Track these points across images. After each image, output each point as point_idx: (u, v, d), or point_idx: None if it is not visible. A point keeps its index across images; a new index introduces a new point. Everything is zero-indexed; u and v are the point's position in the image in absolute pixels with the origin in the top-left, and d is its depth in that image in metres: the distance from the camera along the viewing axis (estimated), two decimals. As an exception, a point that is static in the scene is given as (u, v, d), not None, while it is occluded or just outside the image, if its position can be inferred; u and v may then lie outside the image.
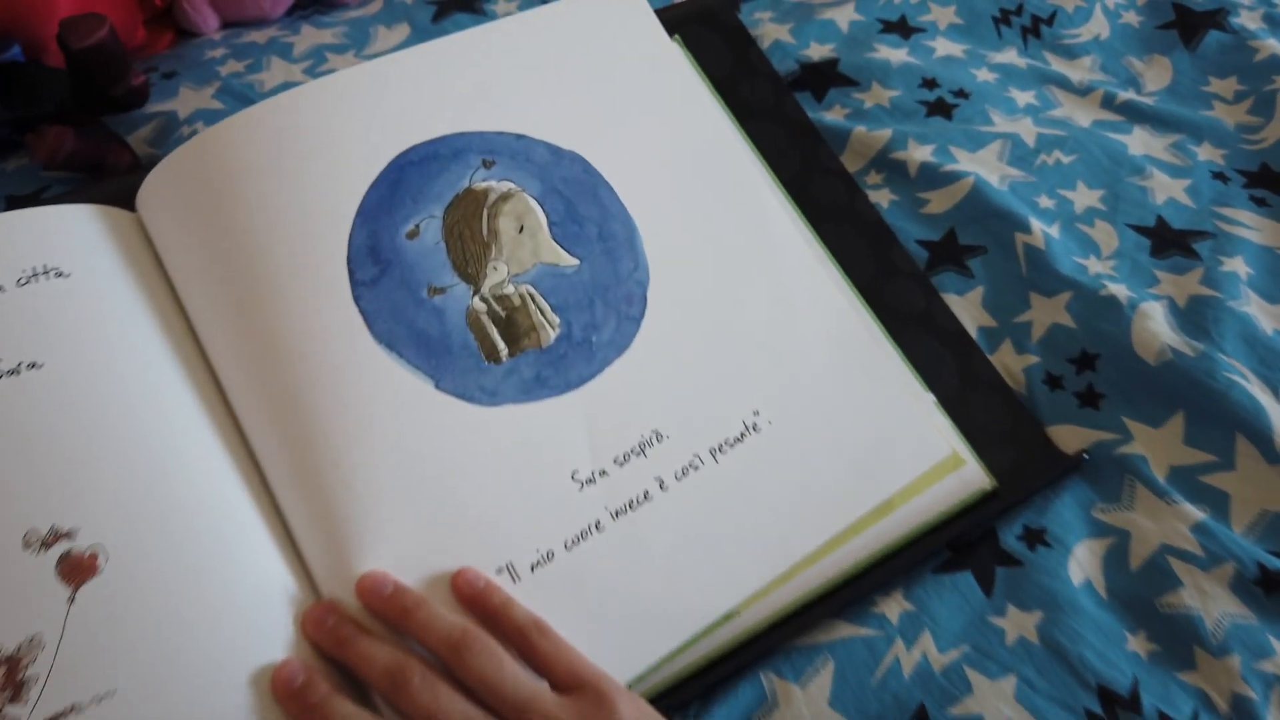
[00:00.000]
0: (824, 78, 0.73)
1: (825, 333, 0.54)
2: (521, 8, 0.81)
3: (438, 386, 0.47)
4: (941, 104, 0.71)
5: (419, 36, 0.78)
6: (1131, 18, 0.80)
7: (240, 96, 0.71)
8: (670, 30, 0.63)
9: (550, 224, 0.52)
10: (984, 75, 0.74)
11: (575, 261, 0.51)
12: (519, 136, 0.53)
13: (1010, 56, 0.77)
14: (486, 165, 0.52)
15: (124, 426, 0.43)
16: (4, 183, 0.65)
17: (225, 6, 0.79)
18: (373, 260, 0.48)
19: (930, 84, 0.72)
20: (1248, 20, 0.79)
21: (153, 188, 0.49)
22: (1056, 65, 0.76)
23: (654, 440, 0.49)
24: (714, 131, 0.57)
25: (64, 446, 0.42)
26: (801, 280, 0.55)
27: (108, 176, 0.65)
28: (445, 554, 0.44)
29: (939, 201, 0.65)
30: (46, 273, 0.45)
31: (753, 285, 0.54)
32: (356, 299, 0.47)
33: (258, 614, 0.41)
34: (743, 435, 0.50)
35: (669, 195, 0.55)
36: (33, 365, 0.43)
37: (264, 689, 0.40)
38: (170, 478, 0.42)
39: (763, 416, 0.51)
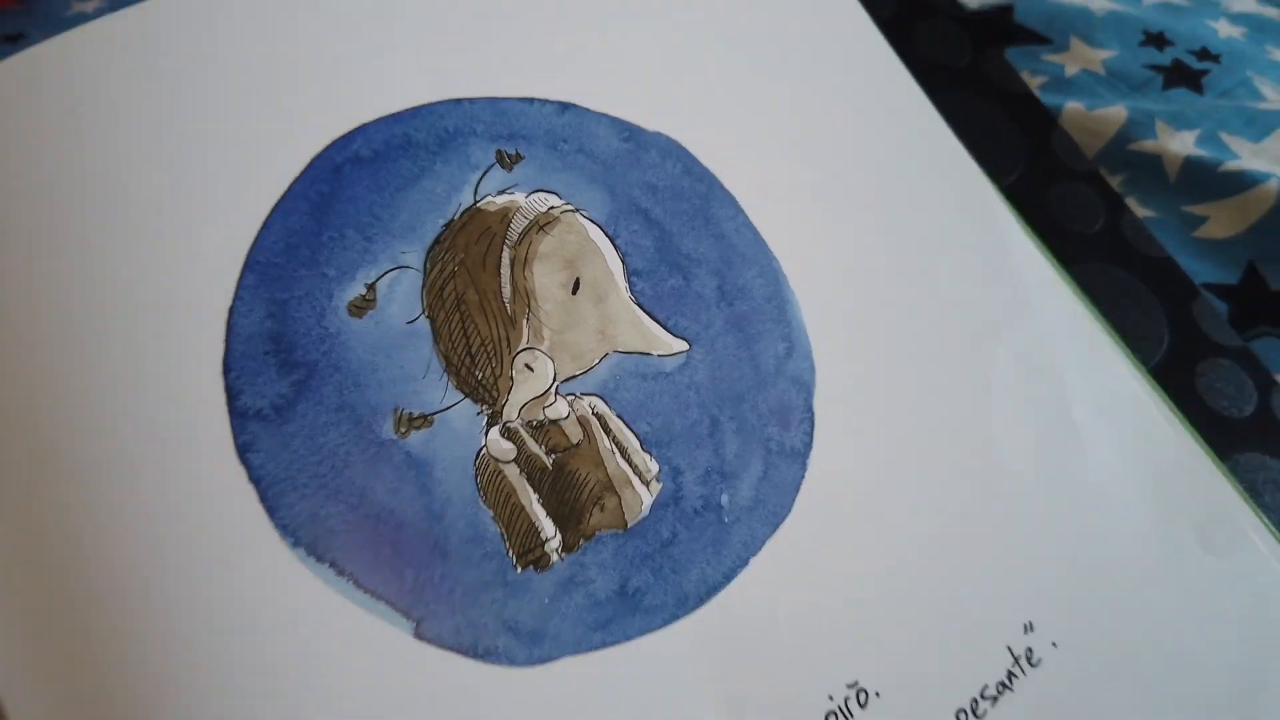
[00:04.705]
0: (998, 32, 0.48)
1: (1141, 478, 0.29)
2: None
3: (419, 632, 0.22)
4: (1183, 69, 0.47)
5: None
6: (1400, -51, 0.56)
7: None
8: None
9: (630, 275, 0.27)
10: (1226, 30, 0.50)
11: (682, 345, 0.27)
12: (565, 107, 0.28)
13: (1249, 4, 0.53)
14: (506, 161, 0.27)
15: None
16: None
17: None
18: (279, 364, 0.23)
19: (1157, 40, 0.48)
20: None
21: None
22: (1317, 15, 0.52)
23: (854, 705, 0.25)
24: (913, 108, 0.33)
25: None
26: (1090, 382, 0.30)
27: None
28: None
29: (1225, 219, 0.40)
30: None
31: (1009, 394, 0.29)
32: (243, 450, 0.22)
33: None
34: (1011, 678, 0.26)
35: (839, 217, 0.30)
36: None
37: None
38: None
39: (1042, 636, 0.27)
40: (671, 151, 0.29)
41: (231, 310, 0.23)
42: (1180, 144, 0.42)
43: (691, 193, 0.29)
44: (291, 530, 0.22)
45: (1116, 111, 0.44)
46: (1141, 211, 0.41)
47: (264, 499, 0.22)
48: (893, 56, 0.33)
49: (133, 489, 0.22)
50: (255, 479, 0.22)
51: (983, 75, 0.39)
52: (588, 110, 0.28)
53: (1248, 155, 0.42)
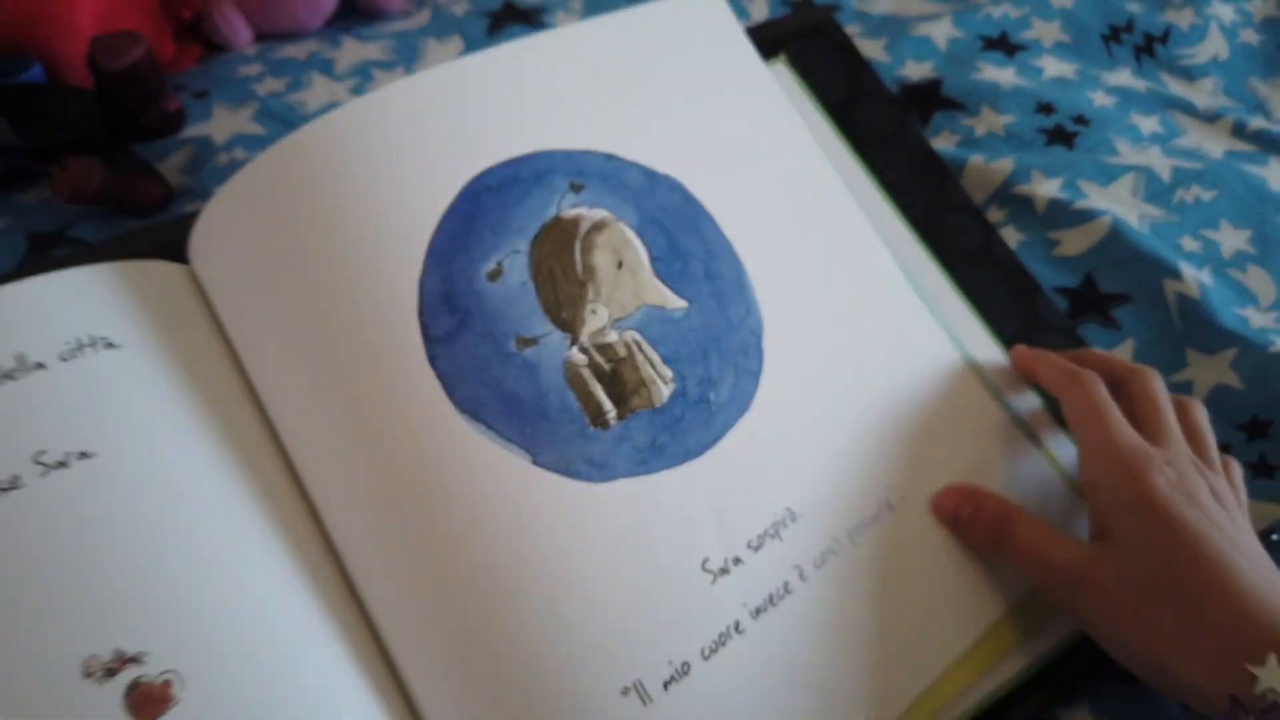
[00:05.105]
0: (929, 101, 0.65)
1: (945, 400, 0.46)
2: (584, 19, 0.74)
3: (535, 461, 0.39)
4: (1061, 131, 0.64)
5: (474, 50, 0.70)
6: (1250, 36, 0.73)
7: (282, 119, 0.64)
8: (774, 48, 0.55)
9: (652, 259, 0.44)
10: (1101, 99, 0.67)
11: (683, 304, 0.44)
12: (609, 157, 0.45)
13: (1125, 78, 0.70)
14: (575, 189, 0.44)
15: (192, 529, 0.35)
16: (25, 218, 0.58)
17: (259, 18, 0.72)
18: (449, 309, 0.40)
19: (1046, 109, 0.65)
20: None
21: (203, 235, 0.42)
22: (1177, 88, 0.69)
23: (788, 520, 0.41)
24: (814, 163, 0.50)
25: (123, 554, 0.34)
26: (923, 341, 0.48)
27: (137, 210, 0.58)
28: (557, 681, 0.36)
29: (1073, 243, 0.57)
30: (94, 344, 0.38)
31: (873, 343, 0.46)
32: (432, 360, 0.39)
33: None
34: (878, 515, 0.43)
35: (774, 232, 0.47)
36: (83, 455, 0.36)
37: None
38: (244, 590, 0.35)
39: (896, 493, 0.43)
40: (674, 187, 0.46)
41: (421, 278, 0.40)
42: (1047, 188, 0.59)
43: (686, 212, 0.45)
44: (460, 403, 0.39)
45: (1006, 163, 0.61)
46: (1018, 236, 0.58)
47: (445, 386, 0.39)
48: (808, 134, 0.50)
49: (373, 386, 0.39)
50: (439, 375, 0.39)
51: (902, 139, 0.56)
52: (623, 159, 0.45)
53: (1096, 196, 0.59)
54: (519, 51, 0.46)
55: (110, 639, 0.33)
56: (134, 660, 0.33)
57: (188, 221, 0.43)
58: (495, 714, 0.36)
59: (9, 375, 0.36)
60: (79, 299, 0.39)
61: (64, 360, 0.37)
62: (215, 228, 0.42)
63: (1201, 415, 0.44)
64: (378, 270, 0.40)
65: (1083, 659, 0.42)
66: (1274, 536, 0.46)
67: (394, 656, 0.37)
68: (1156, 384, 0.44)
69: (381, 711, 0.36)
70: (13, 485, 0.34)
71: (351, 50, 0.70)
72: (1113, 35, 0.72)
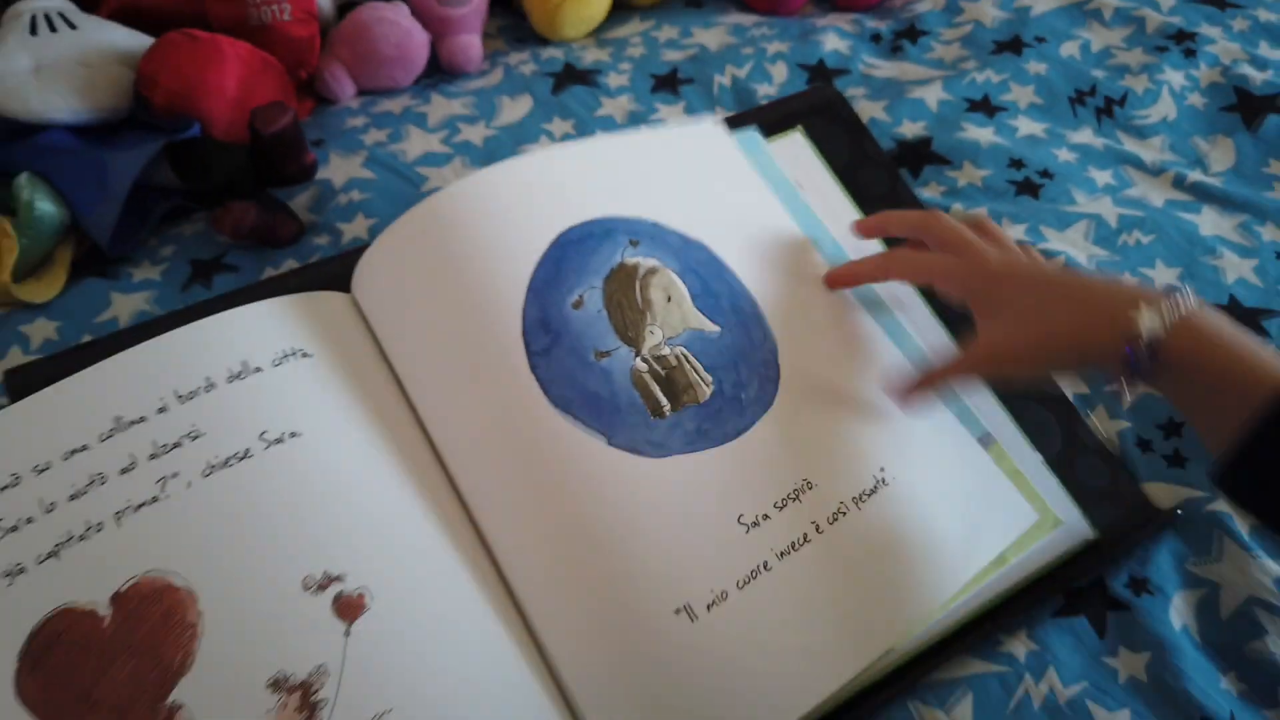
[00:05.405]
0: (920, 156, 0.79)
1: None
2: (632, 80, 0.88)
3: (610, 442, 0.52)
4: (1029, 184, 0.77)
5: (540, 108, 0.85)
6: (1196, 100, 0.86)
7: (388, 166, 0.78)
8: (793, 121, 0.69)
9: (692, 297, 0.58)
10: (1065, 155, 0.80)
11: (717, 328, 0.57)
12: (655, 224, 0.60)
13: (1087, 136, 0.83)
14: (633, 244, 0.58)
15: (371, 486, 0.49)
16: (185, 247, 0.72)
17: (361, 76, 0.86)
18: (544, 330, 0.54)
19: (1017, 164, 0.78)
20: (1307, 104, 0.85)
21: (363, 273, 0.57)
22: (1130, 145, 0.82)
23: (805, 488, 0.54)
24: (785, 228, 0.64)
25: (325, 503, 0.48)
26: (883, 351, 0.61)
27: (276, 242, 0.72)
28: (625, 603, 0.49)
29: (1033, 276, 0.70)
30: (294, 354, 0.52)
31: (852, 358, 0.59)
32: (533, 368, 0.53)
33: (496, 631, 0.49)
34: (875, 488, 0.56)
35: (772, 280, 0.61)
36: (294, 435, 0.49)
37: (520, 695, 0.47)
38: (412, 528, 0.49)
39: (887, 473, 0.56)
40: (702, 248, 0.60)
41: (524, 307, 0.54)
42: (1014, 232, 0.72)
43: (712, 264, 0.59)
44: (555, 400, 0.52)
45: (981, 210, 0.74)
46: (987, 269, 0.72)
47: (542, 388, 0.52)
48: (782, 213, 0.64)
49: (492, 389, 0.52)
50: (539, 379, 0.52)
51: (896, 195, 0.70)
52: (666, 227, 0.60)
53: (1054, 239, 0.73)
54: (591, 146, 0.62)
55: (320, 564, 0.46)
56: (338, 579, 0.46)
57: (329, 262, 0.58)
58: (585, 624, 0.49)
59: (238, 376, 0.50)
60: (281, 320, 0.54)
61: (275, 365, 0.51)
62: (373, 269, 0.56)
63: (991, 222, 0.59)
64: (494, 301, 0.54)
65: (1022, 599, 0.55)
66: (1179, 512, 0.59)
67: (511, 580, 0.50)
68: (951, 220, 0.58)
69: (497, 619, 0.49)
70: (246, 455, 0.48)
71: (440, 105, 0.84)
72: (1078, 98, 0.85)
